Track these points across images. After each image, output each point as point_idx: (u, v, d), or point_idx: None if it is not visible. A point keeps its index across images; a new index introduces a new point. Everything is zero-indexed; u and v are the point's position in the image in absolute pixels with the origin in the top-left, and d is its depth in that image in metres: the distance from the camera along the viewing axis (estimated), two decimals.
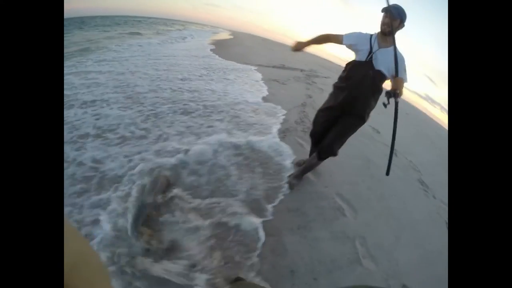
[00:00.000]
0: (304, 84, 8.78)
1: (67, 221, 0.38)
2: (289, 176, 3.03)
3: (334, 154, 2.61)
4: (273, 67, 11.03)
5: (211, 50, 13.10)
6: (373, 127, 5.86)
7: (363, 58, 2.30)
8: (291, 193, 2.82)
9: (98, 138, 3.28)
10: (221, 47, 14.40)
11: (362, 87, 2.34)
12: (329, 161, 3.46)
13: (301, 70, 11.86)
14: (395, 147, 4.71)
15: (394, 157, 4.16)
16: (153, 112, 4.29)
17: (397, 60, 2.10)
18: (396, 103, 2.14)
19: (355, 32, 2.38)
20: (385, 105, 2.27)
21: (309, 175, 3.18)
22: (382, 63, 2.22)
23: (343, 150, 3.03)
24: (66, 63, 6.56)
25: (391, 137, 2.20)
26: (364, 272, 2.19)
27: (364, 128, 5.67)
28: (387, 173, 2.15)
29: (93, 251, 0.42)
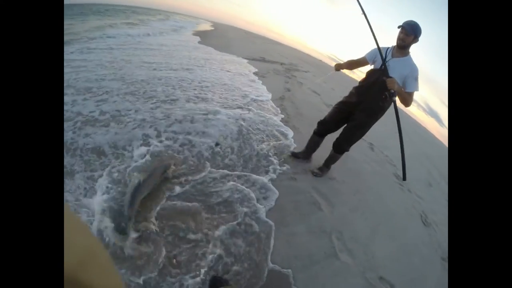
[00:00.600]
0: (283, 78, 8.74)
1: (75, 216, 0.39)
2: (315, 168, 3.33)
3: (345, 149, 2.99)
4: (254, 59, 10.91)
5: (199, 42, 12.83)
6: None
7: (378, 66, 2.61)
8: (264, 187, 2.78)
9: (111, 122, 3.23)
10: (205, 39, 14.18)
11: (373, 90, 2.62)
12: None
13: (281, 64, 11.82)
14: (372, 141, 4.78)
15: (370, 152, 4.21)
16: (168, 99, 4.33)
17: (384, 61, 2.49)
18: (394, 102, 2.40)
19: (374, 48, 2.67)
20: (385, 99, 2.51)
21: (285, 169, 3.18)
22: (395, 70, 2.45)
23: (321, 143, 3.03)
24: None
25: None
26: (341, 266, 2.19)
27: None
28: (404, 178, 2.31)
29: (101, 246, 0.42)
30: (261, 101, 5.52)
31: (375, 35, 2.59)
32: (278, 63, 11.78)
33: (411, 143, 7.71)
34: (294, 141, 3.98)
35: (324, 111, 6.13)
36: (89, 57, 5.88)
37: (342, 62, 2.94)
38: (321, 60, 24.49)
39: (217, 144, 3.28)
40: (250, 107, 4.93)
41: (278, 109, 5.30)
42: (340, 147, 2.99)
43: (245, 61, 9.98)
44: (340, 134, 2.96)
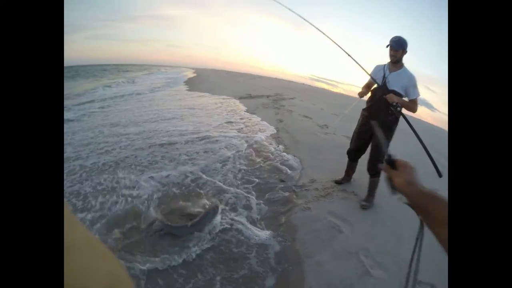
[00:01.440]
0: (273, 110, 8.98)
1: (99, 242, 0.39)
2: (361, 201, 3.31)
3: (378, 170, 3.07)
4: (241, 97, 11.25)
5: (187, 90, 13.33)
6: (348, 136, 6.00)
7: (379, 83, 2.86)
8: (282, 225, 2.76)
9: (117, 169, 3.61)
10: (192, 85, 14.74)
11: (381, 106, 2.81)
12: (311, 182, 3.61)
13: (267, 96, 12.17)
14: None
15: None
16: (166, 142, 4.80)
17: (383, 78, 2.82)
18: (398, 112, 2.65)
19: (373, 69, 2.99)
20: (392, 113, 2.75)
21: (295, 200, 3.21)
22: (395, 83, 2.77)
23: (324, 166, 3.06)
24: None
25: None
26: (377, 282, 2.16)
27: (339, 138, 5.81)
28: (440, 175, 2.41)
29: (125, 271, 0.42)
30: (265, 136, 5.78)
31: (357, 60, 2.82)
32: (264, 96, 12.17)
33: (411, 139, 7.70)
34: (301, 169, 4.09)
35: (318, 133, 6.29)
36: (83, 118, 6.32)
37: (361, 90, 3.16)
38: (303, 83, 25.17)
39: (282, 181, 3.66)
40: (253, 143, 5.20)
41: (273, 141, 5.46)
42: (374, 169, 3.11)
43: (237, 100, 10.39)
44: (370, 157, 3.11)
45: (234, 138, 5.37)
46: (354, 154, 3.36)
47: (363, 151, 3.31)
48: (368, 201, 3.25)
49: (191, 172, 3.66)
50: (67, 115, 6.54)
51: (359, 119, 3.23)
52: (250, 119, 7.31)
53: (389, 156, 0.84)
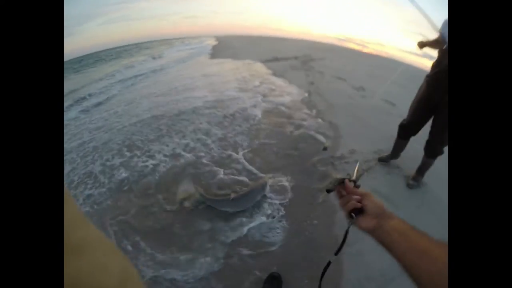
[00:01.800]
0: (302, 72, 8.37)
1: (109, 240, 0.40)
2: (408, 178, 2.92)
3: (440, 152, 2.59)
4: (267, 61, 10.61)
5: (210, 58, 12.98)
6: (387, 99, 5.47)
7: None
8: (317, 206, 2.49)
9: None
10: (214, 53, 14.36)
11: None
12: (350, 153, 3.28)
13: (295, 58, 11.43)
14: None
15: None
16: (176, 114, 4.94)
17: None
18: None
19: (442, 24, 2.26)
20: None
21: (334, 174, 2.83)
22: None
23: (364, 134, 2.68)
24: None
25: None
26: None
27: (378, 103, 5.30)
28: None
29: (133, 267, 0.44)
30: (295, 100, 5.45)
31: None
32: (292, 58, 11.42)
33: None
34: (338, 138, 3.75)
35: (354, 97, 5.78)
36: (102, 102, 6.64)
37: (424, 41, 2.53)
38: (332, 44, 23.58)
39: (324, 149, 3.45)
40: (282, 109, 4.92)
41: (305, 105, 5.07)
42: (434, 151, 2.61)
43: (262, 64, 9.89)
44: (431, 136, 2.59)
45: (255, 106, 5.10)
46: (409, 129, 2.81)
47: (421, 125, 2.73)
48: (417, 180, 2.80)
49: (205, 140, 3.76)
50: (91, 100, 6.93)
51: (421, 86, 2.59)
52: (276, 83, 6.86)
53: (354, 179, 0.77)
